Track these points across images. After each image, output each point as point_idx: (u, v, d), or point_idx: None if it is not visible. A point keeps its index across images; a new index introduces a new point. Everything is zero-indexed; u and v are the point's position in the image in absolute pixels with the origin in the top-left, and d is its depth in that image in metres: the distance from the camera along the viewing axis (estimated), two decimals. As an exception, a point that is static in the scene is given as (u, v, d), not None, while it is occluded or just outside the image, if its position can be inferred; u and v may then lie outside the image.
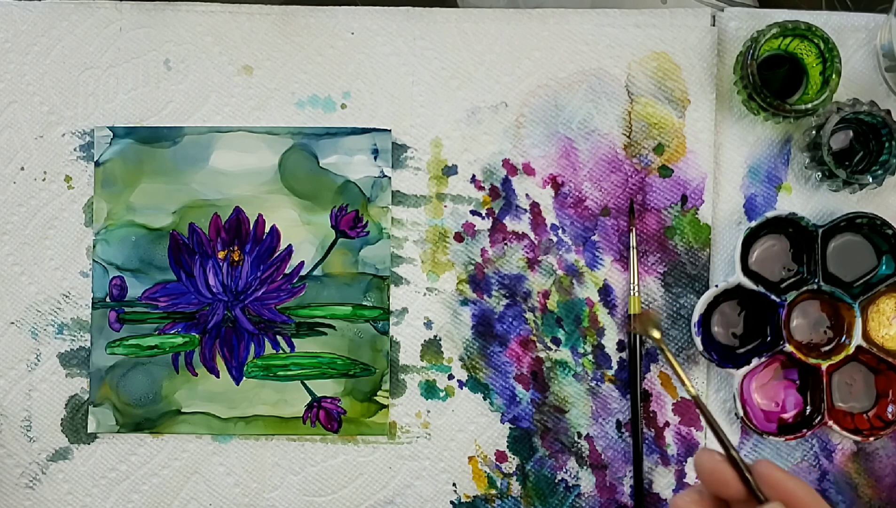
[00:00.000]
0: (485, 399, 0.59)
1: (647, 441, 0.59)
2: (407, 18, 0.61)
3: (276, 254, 0.60)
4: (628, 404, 0.59)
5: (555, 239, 0.60)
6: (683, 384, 0.45)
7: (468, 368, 0.60)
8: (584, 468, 0.59)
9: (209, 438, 0.59)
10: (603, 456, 0.59)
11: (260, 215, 0.60)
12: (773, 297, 0.57)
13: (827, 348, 0.59)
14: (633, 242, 0.59)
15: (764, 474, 0.42)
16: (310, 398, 0.59)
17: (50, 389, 0.59)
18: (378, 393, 0.59)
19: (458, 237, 0.60)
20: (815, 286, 0.57)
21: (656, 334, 0.49)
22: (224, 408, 0.59)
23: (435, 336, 0.60)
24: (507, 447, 0.59)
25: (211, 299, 0.60)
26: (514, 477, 0.59)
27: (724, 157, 0.60)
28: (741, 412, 0.57)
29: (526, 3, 0.63)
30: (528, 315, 0.60)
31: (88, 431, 0.59)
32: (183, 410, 0.59)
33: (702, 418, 0.58)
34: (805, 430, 0.57)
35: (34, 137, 0.61)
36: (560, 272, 0.60)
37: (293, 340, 0.59)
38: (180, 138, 0.60)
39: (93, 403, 0.59)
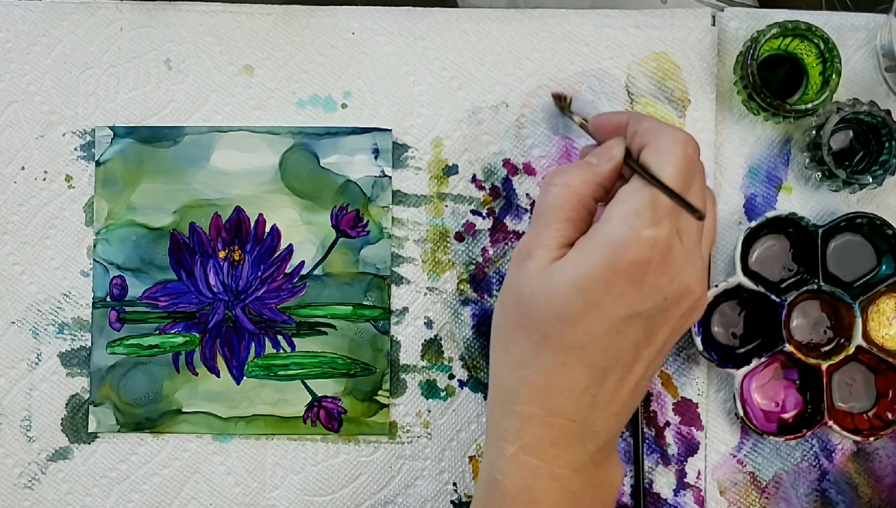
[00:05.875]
0: (486, 399, 0.59)
1: (647, 441, 0.59)
2: (408, 18, 0.61)
3: (277, 254, 0.60)
4: (629, 403, 0.59)
5: (555, 239, 0.60)
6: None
7: (469, 367, 0.60)
8: (585, 467, 0.59)
9: (210, 437, 0.59)
10: (603, 456, 0.59)
11: (260, 215, 0.60)
12: (773, 297, 0.57)
13: (827, 348, 0.59)
14: (633, 242, 0.59)
15: (594, 122, 0.51)
16: (310, 398, 0.59)
17: (50, 388, 0.59)
18: (378, 393, 0.59)
19: (459, 237, 0.60)
20: (815, 286, 0.57)
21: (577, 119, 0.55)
22: (224, 408, 0.59)
23: (435, 336, 0.60)
24: (508, 446, 0.59)
25: (211, 299, 0.60)
26: (515, 477, 0.59)
27: (724, 157, 0.60)
28: (741, 412, 0.57)
29: (526, 3, 0.63)
30: (529, 315, 0.60)
31: (89, 431, 0.59)
32: (183, 409, 0.59)
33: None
34: (805, 430, 0.57)
35: (35, 137, 0.61)
36: (560, 272, 0.60)
37: (294, 339, 0.59)
38: (181, 138, 0.60)
39: (93, 402, 0.59)
